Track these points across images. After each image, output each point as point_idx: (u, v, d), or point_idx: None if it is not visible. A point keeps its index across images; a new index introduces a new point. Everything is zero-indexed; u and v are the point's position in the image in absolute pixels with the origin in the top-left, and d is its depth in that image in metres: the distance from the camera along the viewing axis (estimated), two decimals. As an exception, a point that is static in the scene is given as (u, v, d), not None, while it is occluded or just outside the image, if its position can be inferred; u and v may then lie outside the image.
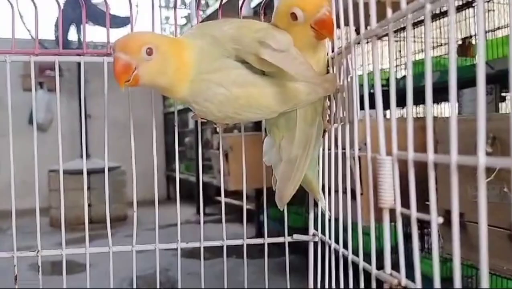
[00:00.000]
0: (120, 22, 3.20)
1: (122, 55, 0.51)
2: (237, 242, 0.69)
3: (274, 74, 0.55)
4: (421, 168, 0.36)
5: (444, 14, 1.76)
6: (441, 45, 1.88)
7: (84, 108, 0.66)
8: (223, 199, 0.75)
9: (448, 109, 2.19)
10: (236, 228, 1.50)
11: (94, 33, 3.28)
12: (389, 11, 0.39)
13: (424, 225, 1.39)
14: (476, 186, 0.26)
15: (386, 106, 0.42)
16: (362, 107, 0.50)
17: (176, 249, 0.69)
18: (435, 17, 1.75)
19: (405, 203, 0.38)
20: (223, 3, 0.68)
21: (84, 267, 0.67)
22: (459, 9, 1.72)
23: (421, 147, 0.36)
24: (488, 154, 0.29)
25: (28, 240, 0.87)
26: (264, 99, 0.55)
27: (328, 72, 0.61)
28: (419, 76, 1.49)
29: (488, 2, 1.66)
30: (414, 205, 0.36)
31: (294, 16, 0.55)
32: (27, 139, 0.62)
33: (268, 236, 0.71)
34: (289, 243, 0.71)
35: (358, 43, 0.49)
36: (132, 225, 0.68)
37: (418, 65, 1.73)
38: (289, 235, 0.71)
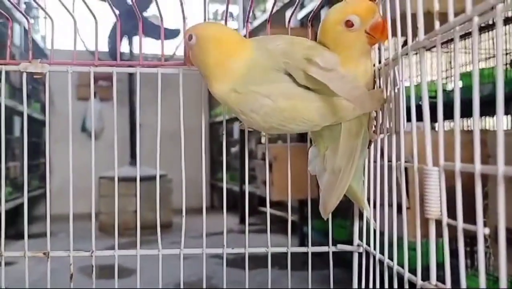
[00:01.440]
0: (169, 34, 3.29)
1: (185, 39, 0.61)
2: (281, 249, 0.69)
3: (320, 90, 0.56)
4: (470, 182, 0.35)
5: (495, 25, 1.70)
6: (494, 56, 1.81)
7: (136, 117, 0.69)
8: (268, 209, 0.75)
9: (504, 124, 2.11)
10: (279, 239, 1.49)
11: (145, 45, 3.39)
12: (436, 23, 0.39)
13: (473, 242, 1.33)
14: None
15: (434, 118, 0.41)
16: (409, 119, 0.50)
17: (220, 257, 0.70)
18: (485, 28, 1.69)
19: (453, 217, 0.37)
20: (272, 13, 0.68)
21: (131, 272, 0.68)
22: (508, 21, 1.66)
23: (470, 160, 0.35)
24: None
25: (78, 244, 0.90)
26: (308, 112, 0.56)
27: (375, 82, 0.60)
28: (470, 88, 1.44)
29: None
30: (461, 216, 0.36)
31: (350, 24, 0.56)
32: (80, 146, 0.65)
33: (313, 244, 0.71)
34: (333, 255, 0.70)
35: (406, 54, 0.49)
36: (176, 232, 0.70)
37: (469, 77, 1.68)
38: (333, 245, 0.70)
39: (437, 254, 0.44)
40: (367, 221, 0.64)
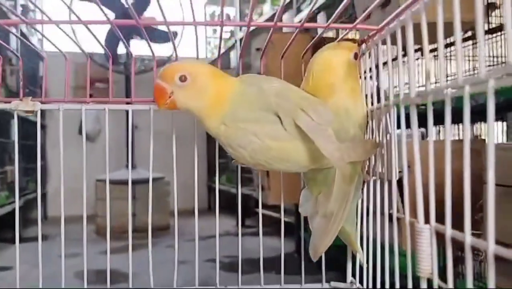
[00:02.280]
0: (166, 37, 3.28)
1: (159, 81, 0.58)
2: (275, 286, 0.70)
3: (305, 138, 0.55)
4: (461, 191, 0.35)
5: (494, 31, 1.71)
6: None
7: (132, 119, 0.68)
8: (260, 213, 0.74)
9: (498, 130, 2.12)
10: (275, 241, 1.49)
11: (142, 48, 3.39)
12: (428, 84, 0.39)
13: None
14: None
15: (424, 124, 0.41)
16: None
17: (215, 261, 0.70)
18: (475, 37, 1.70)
19: (442, 219, 0.37)
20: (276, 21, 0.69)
21: (127, 277, 0.68)
22: (498, 29, 1.67)
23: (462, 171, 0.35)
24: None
25: (75, 247, 0.90)
26: (296, 154, 0.56)
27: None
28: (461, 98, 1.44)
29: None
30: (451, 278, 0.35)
31: (357, 55, 0.61)
32: (77, 149, 0.64)
33: (308, 253, 0.70)
34: (327, 259, 0.70)
35: (397, 104, 0.50)
36: (174, 235, 0.69)
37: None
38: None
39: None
40: (360, 259, 0.64)
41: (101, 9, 0.49)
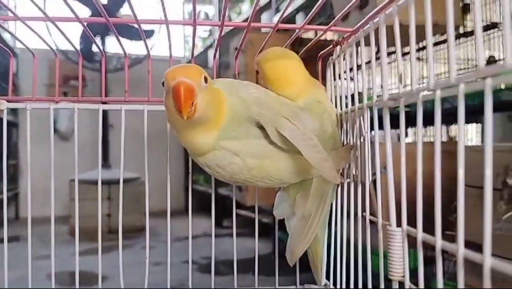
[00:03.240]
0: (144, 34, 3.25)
1: (186, 79, 0.47)
2: (249, 288, 0.70)
3: (289, 148, 0.53)
4: (433, 193, 0.35)
5: (463, 35, 1.74)
6: (463, 68, 1.85)
7: (107, 118, 0.67)
8: (234, 214, 0.74)
9: (473, 132, 2.16)
10: (253, 242, 1.48)
11: (119, 46, 3.34)
12: (401, 87, 0.40)
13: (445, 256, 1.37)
14: (498, 218, 0.25)
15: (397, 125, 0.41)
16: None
17: (193, 262, 0.69)
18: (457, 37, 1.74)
19: (414, 221, 0.38)
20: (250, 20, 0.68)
21: (102, 279, 0.66)
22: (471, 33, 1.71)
23: (442, 172, 0.35)
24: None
25: (48, 248, 0.88)
26: (277, 171, 0.54)
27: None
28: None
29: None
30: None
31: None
32: (50, 148, 0.62)
33: (284, 253, 0.71)
34: (303, 260, 0.70)
35: (371, 107, 0.50)
36: (150, 236, 0.68)
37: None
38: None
39: None
40: (334, 260, 0.63)
41: (71, 9, 0.47)
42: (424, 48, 1.80)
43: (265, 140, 0.53)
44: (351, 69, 0.60)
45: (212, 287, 0.68)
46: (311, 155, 0.51)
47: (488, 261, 0.25)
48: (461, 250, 0.29)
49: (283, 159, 0.54)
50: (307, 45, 0.66)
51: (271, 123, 0.52)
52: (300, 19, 2.61)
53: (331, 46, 0.63)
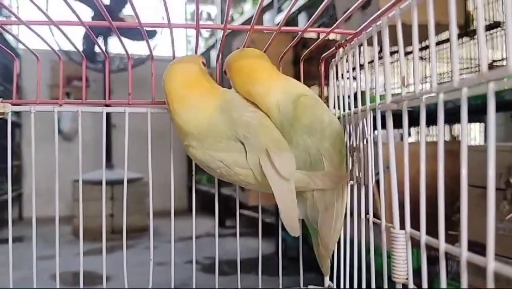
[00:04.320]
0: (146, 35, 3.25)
1: None
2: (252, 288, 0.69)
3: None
4: (436, 194, 0.35)
5: (466, 34, 1.74)
6: (467, 68, 1.84)
7: (109, 118, 0.67)
8: (238, 214, 0.74)
9: (476, 131, 2.15)
10: (256, 242, 1.48)
11: (121, 46, 3.34)
12: (404, 89, 0.40)
13: (448, 256, 1.36)
14: (501, 219, 0.25)
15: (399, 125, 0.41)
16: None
17: (197, 262, 0.69)
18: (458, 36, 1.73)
19: (417, 224, 0.38)
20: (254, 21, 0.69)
21: (105, 279, 0.67)
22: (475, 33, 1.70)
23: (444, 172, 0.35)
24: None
25: (51, 249, 0.88)
26: (264, 181, 0.54)
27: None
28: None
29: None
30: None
31: None
32: (53, 148, 0.63)
33: (288, 253, 0.71)
34: (307, 260, 0.70)
35: (374, 110, 0.50)
36: (153, 236, 0.68)
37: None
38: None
39: None
40: (337, 261, 0.63)
41: (75, 13, 0.48)
42: (426, 47, 1.79)
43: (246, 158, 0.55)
44: (354, 69, 0.60)
45: (216, 287, 0.68)
46: (280, 197, 0.52)
47: (491, 265, 0.25)
48: (464, 254, 0.29)
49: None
50: (310, 48, 0.66)
51: (254, 151, 0.54)
52: (302, 19, 2.61)
53: (334, 48, 0.63)
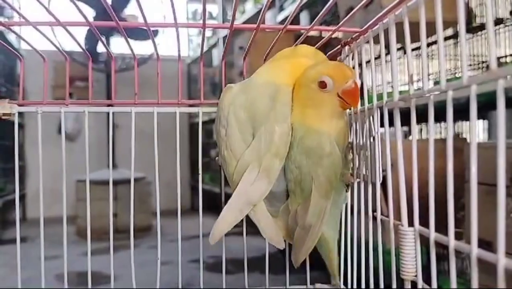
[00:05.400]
0: (146, 34, 3.25)
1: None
2: (260, 287, 0.70)
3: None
4: (443, 190, 0.35)
5: (475, 29, 1.73)
6: (471, 65, 1.84)
7: (112, 118, 0.67)
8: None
9: (480, 128, 2.15)
10: (259, 241, 1.48)
11: (123, 45, 3.34)
12: (411, 87, 0.40)
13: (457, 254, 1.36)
14: (506, 215, 0.25)
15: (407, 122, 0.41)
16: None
17: (198, 262, 0.69)
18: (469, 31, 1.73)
19: (426, 223, 0.37)
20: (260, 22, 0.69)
21: (109, 279, 0.67)
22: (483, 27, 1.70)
23: (445, 170, 0.35)
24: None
25: (55, 249, 0.88)
26: (237, 179, 0.59)
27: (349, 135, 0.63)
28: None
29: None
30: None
31: (323, 84, 0.56)
32: (56, 148, 0.63)
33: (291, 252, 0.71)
34: (313, 259, 0.70)
35: (381, 107, 0.50)
36: (156, 235, 0.68)
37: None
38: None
39: None
40: (344, 260, 0.65)
41: (81, 13, 0.47)
42: (432, 43, 1.79)
43: (244, 147, 0.58)
44: (360, 65, 0.59)
45: (224, 287, 0.68)
46: (226, 211, 0.59)
47: (502, 261, 0.25)
48: (474, 251, 0.28)
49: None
50: (315, 46, 0.66)
51: (254, 152, 0.58)
52: (304, 17, 2.61)
53: (339, 46, 0.63)
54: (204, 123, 0.70)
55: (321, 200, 0.58)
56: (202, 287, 0.67)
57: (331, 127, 0.58)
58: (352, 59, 0.60)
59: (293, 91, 0.60)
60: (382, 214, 0.52)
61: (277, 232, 0.61)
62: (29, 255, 0.66)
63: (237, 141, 0.58)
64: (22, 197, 4.00)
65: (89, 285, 0.65)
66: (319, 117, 0.58)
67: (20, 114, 0.64)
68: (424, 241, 0.39)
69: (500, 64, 1.65)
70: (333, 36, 0.65)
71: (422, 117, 0.41)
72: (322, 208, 0.58)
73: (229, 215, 0.58)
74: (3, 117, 0.64)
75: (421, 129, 2.18)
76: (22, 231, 0.64)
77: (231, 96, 0.60)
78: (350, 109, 0.62)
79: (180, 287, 0.68)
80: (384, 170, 0.50)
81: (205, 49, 4.27)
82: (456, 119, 2.07)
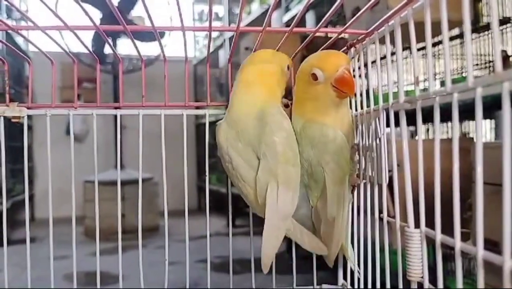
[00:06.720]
0: (153, 36, 3.26)
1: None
2: (267, 287, 0.70)
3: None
4: (450, 190, 0.35)
5: (484, 28, 1.72)
6: (477, 64, 1.83)
7: (120, 121, 0.67)
8: (251, 213, 0.74)
9: (486, 128, 2.13)
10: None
11: (129, 46, 3.36)
12: (417, 89, 0.40)
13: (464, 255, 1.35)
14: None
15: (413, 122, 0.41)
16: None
17: (205, 262, 0.69)
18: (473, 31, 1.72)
19: (432, 223, 0.37)
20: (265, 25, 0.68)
21: (117, 279, 0.67)
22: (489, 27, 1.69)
23: (451, 170, 0.35)
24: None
25: (63, 249, 0.89)
26: (262, 202, 0.58)
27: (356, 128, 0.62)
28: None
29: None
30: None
31: (314, 77, 0.57)
32: (64, 149, 0.64)
33: (299, 251, 0.71)
34: (317, 260, 0.70)
35: (387, 109, 0.50)
36: (163, 236, 0.69)
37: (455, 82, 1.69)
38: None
39: None
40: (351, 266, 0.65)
41: (89, 17, 0.48)
42: (438, 43, 1.78)
43: (254, 172, 0.57)
44: (365, 65, 0.59)
45: (231, 287, 0.68)
46: (266, 235, 0.56)
47: (508, 263, 0.25)
48: (480, 253, 0.29)
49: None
50: (321, 47, 0.66)
51: (266, 173, 0.56)
52: (309, 18, 2.60)
53: (345, 47, 0.63)
54: (210, 124, 0.70)
55: (336, 187, 0.57)
56: (209, 287, 0.67)
57: (332, 118, 0.58)
58: (358, 60, 0.61)
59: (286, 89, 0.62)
60: (388, 215, 0.52)
61: (316, 241, 0.61)
62: (38, 255, 0.66)
63: (245, 169, 0.58)
64: (31, 198, 4.02)
65: (98, 285, 0.65)
66: (318, 109, 0.58)
67: (29, 116, 0.65)
68: (431, 241, 0.39)
69: (507, 60, 1.65)
70: (340, 37, 0.65)
71: (428, 117, 0.41)
72: (340, 196, 0.58)
73: (271, 238, 0.56)
74: (13, 120, 0.65)
75: (427, 129, 2.17)
76: (31, 231, 0.64)
77: (223, 133, 0.60)
78: (351, 104, 0.62)
79: (187, 287, 0.68)
80: (390, 171, 0.51)
81: (211, 49, 4.28)
82: (462, 118, 2.06)
